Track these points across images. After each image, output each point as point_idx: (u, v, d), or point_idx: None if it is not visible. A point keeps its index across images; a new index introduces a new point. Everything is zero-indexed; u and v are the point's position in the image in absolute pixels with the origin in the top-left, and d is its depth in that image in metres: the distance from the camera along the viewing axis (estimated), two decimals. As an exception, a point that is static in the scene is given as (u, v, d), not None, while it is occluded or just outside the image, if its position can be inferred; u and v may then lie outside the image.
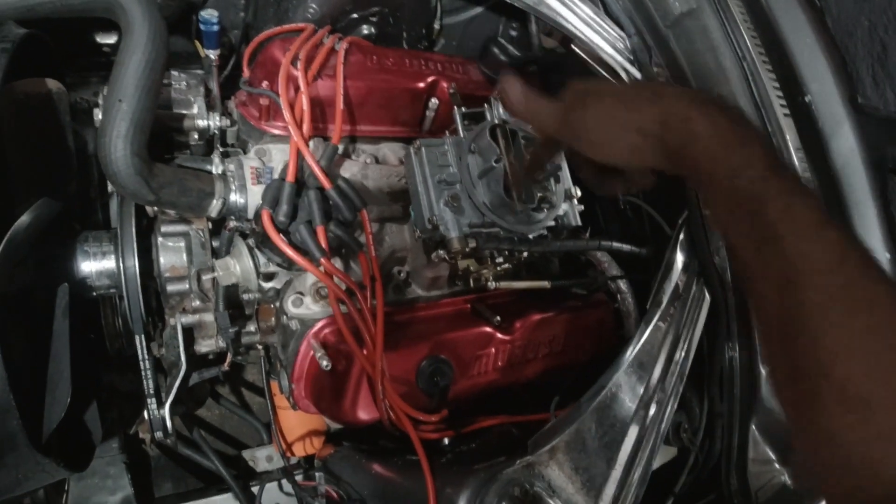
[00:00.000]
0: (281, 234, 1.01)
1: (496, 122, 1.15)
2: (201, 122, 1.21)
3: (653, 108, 0.72)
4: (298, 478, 1.33)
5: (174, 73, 1.26)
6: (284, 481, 1.42)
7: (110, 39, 1.45)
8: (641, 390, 1.14)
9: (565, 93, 0.80)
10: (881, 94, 1.00)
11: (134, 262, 1.13)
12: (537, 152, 0.97)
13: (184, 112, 1.21)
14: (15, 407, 0.91)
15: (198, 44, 1.35)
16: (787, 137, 1.19)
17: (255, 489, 1.40)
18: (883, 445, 0.57)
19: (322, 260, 1.00)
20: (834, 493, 0.63)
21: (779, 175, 0.65)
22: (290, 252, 0.99)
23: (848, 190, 1.06)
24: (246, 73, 1.24)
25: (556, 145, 0.90)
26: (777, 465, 1.30)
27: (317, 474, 1.28)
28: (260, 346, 1.29)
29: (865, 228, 1.04)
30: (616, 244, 1.27)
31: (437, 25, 1.48)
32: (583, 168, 0.90)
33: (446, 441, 1.21)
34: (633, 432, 1.12)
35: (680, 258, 1.21)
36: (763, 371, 1.24)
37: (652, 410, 1.14)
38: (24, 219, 0.98)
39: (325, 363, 1.06)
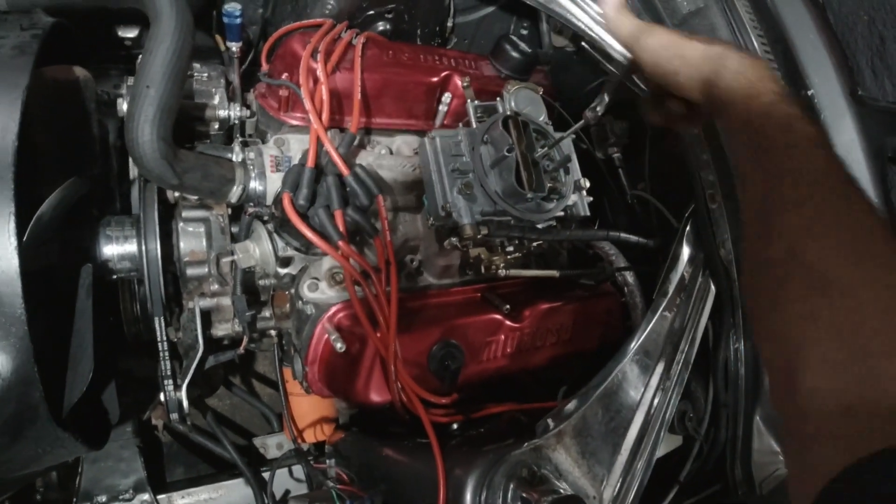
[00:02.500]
0: (300, 218, 1.04)
1: (509, 113, 1.18)
2: (222, 112, 1.25)
3: (699, 44, 0.86)
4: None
5: (196, 65, 1.30)
6: (295, 467, 1.45)
7: (131, 33, 1.49)
8: (647, 378, 1.16)
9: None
10: (880, 85, 1.03)
11: (156, 246, 1.17)
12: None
13: (205, 102, 1.25)
14: (38, 380, 0.93)
15: (218, 38, 1.40)
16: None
17: (265, 475, 1.42)
18: (848, 335, 0.58)
19: (340, 243, 1.03)
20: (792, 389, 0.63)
21: (786, 101, 0.75)
22: (309, 234, 1.02)
23: (850, 181, 1.08)
24: (265, 66, 1.28)
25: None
26: (781, 457, 1.31)
27: (327, 459, 1.31)
28: (274, 333, 1.32)
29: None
30: (623, 235, 1.30)
31: (449, 23, 1.51)
32: (646, 103, 1.05)
33: (455, 426, 1.23)
34: (638, 419, 1.14)
35: (686, 250, 1.24)
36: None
37: (657, 398, 1.16)
38: (54, 198, 1.01)
39: (339, 345, 1.09)
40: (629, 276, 1.40)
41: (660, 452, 1.15)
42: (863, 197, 0.67)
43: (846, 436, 0.55)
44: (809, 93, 1.13)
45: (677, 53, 0.88)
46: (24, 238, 0.95)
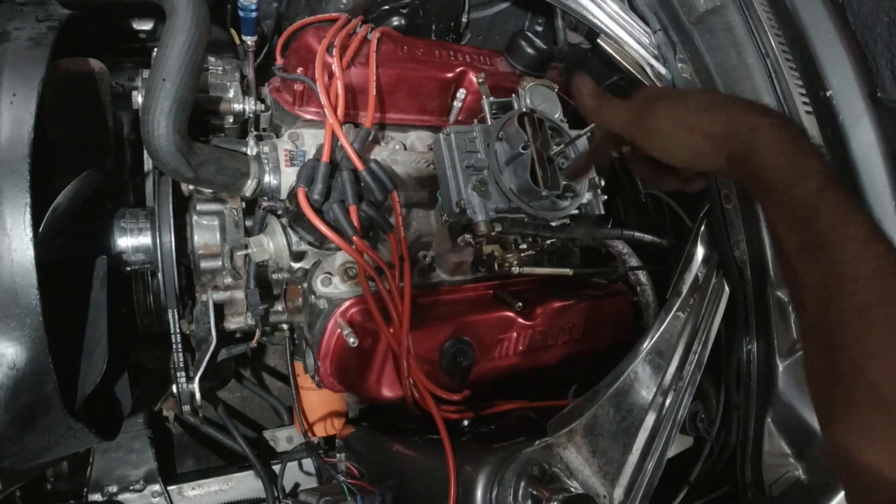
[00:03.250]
0: (315, 212, 1.04)
1: (524, 110, 1.17)
2: (237, 106, 1.25)
3: (720, 114, 0.75)
4: (319, 457, 1.36)
5: (211, 58, 1.30)
6: (305, 461, 1.46)
7: (146, 26, 1.49)
8: (659, 378, 1.15)
9: (635, 95, 0.84)
10: (900, 87, 1.02)
11: (170, 238, 1.17)
12: (601, 145, 1.01)
13: (220, 96, 1.25)
14: (52, 370, 0.94)
15: (233, 32, 1.40)
16: (809, 134, 1.21)
17: (275, 468, 1.43)
18: None
19: (354, 238, 1.03)
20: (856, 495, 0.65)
21: (834, 188, 0.68)
22: (323, 228, 1.02)
23: (867, 182, 1.08)
24: (279, 60, 1.28)
25: (619, 141, 0.94)
26: (792, 460, 1.31)
27: (337, 453, 1.31)
28: (286, 327, 1.33)
29: (883, 219, 1.07)
30: (638, 234, 1.30)
31: (464, 19, 1.51)
32: (639, 164, 0.94)
33: (466, 422, 1.23)
34: (650, 419, 1.13)
35: (700, 251, 1.23)
36: (780, 366, 1.25)
37: (669, 398, 1.15)
38: (69, 190, 1.01)
39: (352, 340, 1.09)
40: (642, 276, 1.40)
41: (671, 453, 1.15)
42: None
43: None
44: (828, 94, 1.13)
45: (695, 130, 0.77)
46: (40, 230, 0.95)
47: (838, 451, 0.68)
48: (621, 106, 0.85)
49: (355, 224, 1.05)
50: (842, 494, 1.27)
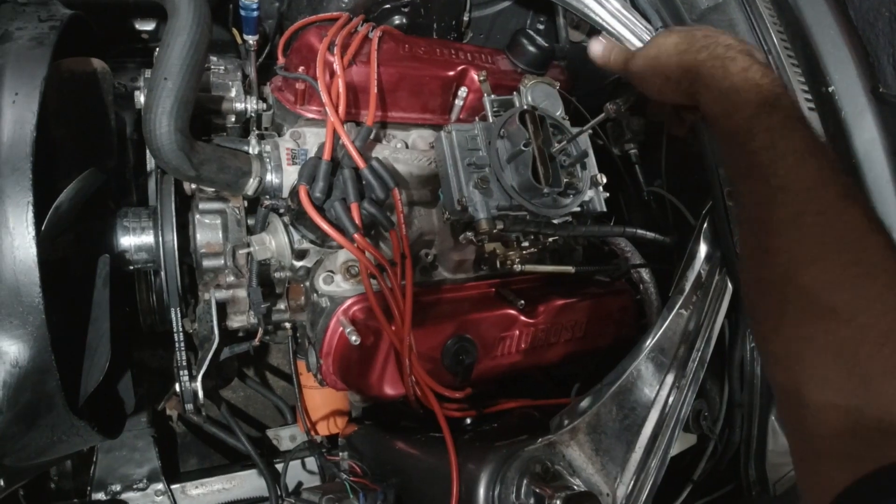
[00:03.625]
0: (316, 210, 1.04)
1: (525, 108, 1.17)
2: (239, 105, 1.25)
3: (674, 59, 0.90)
4: (321, 456, 1.36)
5: (212, 58, 1.30)
6: (307, 459, 1.46)
7: (148, 26, 1.50)
8: (662, 376, 1.15)
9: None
10: (902, 82, 1.02)
11: (172, 237, 1.18)
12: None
13: (222, 95, 1.26)
14: (55, 368, 0.94)
15: (235, 31, 1.40)
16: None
17: (278, 467, 1.43)
18: (846, 359, 0.59)
19: (356, 235, 1.03)
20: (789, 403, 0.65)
21: (767, 113, 0.75)
22: (325, 227, 1.02)
23: (870, 178, 1.08)
24: (281, 60, 1.28)
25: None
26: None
27: (340, 451, 1.31)
28: (288, 325, 1.33)
29: (887, 215, 1.06)
30: (640, 231, 1.29)
31: (465, 17, 1.51)
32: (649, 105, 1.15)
33: (468, 421, 1.23)
34: (653, 417, 1.13)
35: (703, 248, 1.23)
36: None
37: (672, 396, 1.15)
38: (71, 188, 1.02)
39: (354, 338, 1.09)
40: (645, 273, 1.39)
41: (674, 451, 1.15)
42: (860, 209, 0.66)
43: (849, 454, 0.56)
44: (830, 89, 1.12)
45: (658, 73, 0.93)
46: (42, 228, 0.96)
47: (774, 361, 0.69)
48: (620, 50, 1.05)
49: (357, 222, 1.05)
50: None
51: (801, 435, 0.64)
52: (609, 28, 1.36)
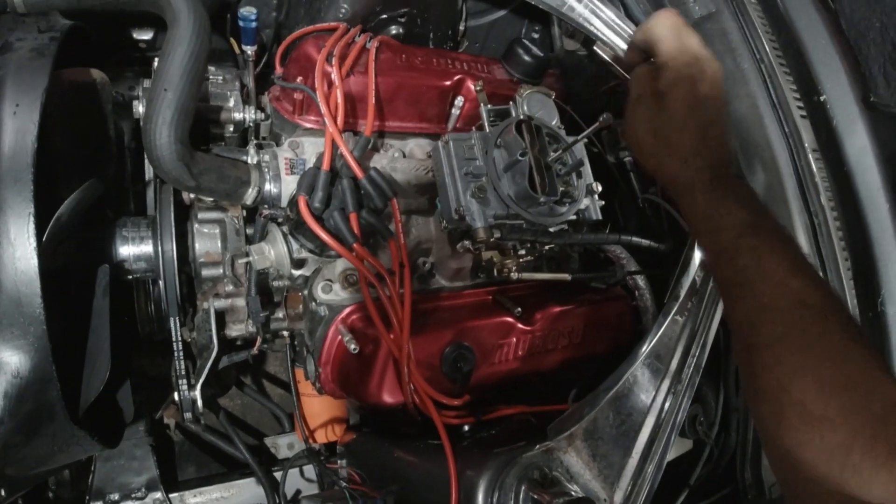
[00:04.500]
0: (315, 220, 1.04)
1: (522, 117, 1.18)
2: (237, 115, 1.26)
3: (652, 162, 0.98)
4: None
5: (211, 68, 1.31)
6: (306, 468, 1.46)
7: (146, 35, 1.50)
8: (658, 381, 1.16)
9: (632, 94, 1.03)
10: (892, 91, 1.04)
11: (172, 247, 1.18)
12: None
13: (220, 105, 1.26)
14: (56, 378, 0.95)
15: (233, 41, 1.41)
16: (804, 138, 1.22)
17: (277, 475, 1.43)
18: (840, 458, 0.66)
19: (354, 245, 1.04)
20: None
21: (753, 234, 0.81)
22: (324, 236, 1.03)
23: (861, 187, 1.09)
24: (279, 70, 1.29)
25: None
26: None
27: (339, 459, 1.32)
28: (286, 333, 1.33)
29: (878, 222, 1.08)
30: (635, 238, 1.30)
31: (461, 27, 1.52)
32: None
33: (467, 428, 1.24)
34: (649, 422, 1.13)
35: (698, 255, 1.23)
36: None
37: (668, 402, 1.15)
38: (72, 199, 1.02)
39: (352, 346, 1.09)
40: (640, 280, 1.41)
41: (670, 456, 1.15)
42: (839, 323, 0.73)
43: None
44: (822, 98, 1.14)
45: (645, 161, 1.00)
46: (44, 239, 0.96)
47: (778, 464, 0.75)
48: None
49: (356, 231, 1.06)
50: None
51: None
52: (603, 38, 1.37)
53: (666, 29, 0.97)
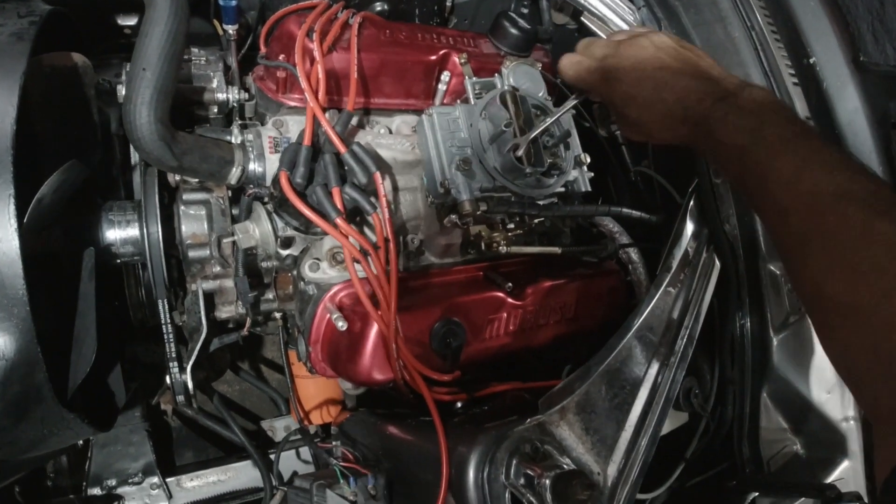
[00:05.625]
0: (298, 196, 1.04)
1: (506, 88, 1.17)
2: (221, 96, 1.25)
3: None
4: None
5: (194, 49, 1.30)
6: (302, 450, 1.46)
7: (131, 21, 1.50)
8: (651, 354, 1.14)
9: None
10: (881, 49, 1.02)
11: (157, 229, 1.18)
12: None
13: (203, 86, 1.26)
14: (42, 360, 0.95)
15: (216, 22, 1.40)
16: (797, 106, 1.20)
17: (273, 457, 1.44)
18: (886, 351, 0.63)
19: (338, 220, 1.03)
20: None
21: (758, 145, 0.80)
22: (306, 212, 1.02)
23: (854, 148, 1.08)
24: (263, 49, 1.28)
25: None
26: (790, 434, 1.31)
27: (333, 439, 1.32)
28: (278, 315, 1.33)
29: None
30: (626, 210, 1.29)
31: (448, 2, 1.50)
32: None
33: (459, 404, 1.23)
34: (642, 395, 1.12)
35: (690, 226, 1.22)
36: (774, 340, 1.25)
37: (661, 374, 1.14)
38: (53, 180, 1.02)
39: (340, 324, 1.09)
40: (633, 254, 1.39)
41: (666, 429, 1.14)
42: (857, 205, 0.70)
43: None
44: (811, 61, 1.12)
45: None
46: (25, 220, 0.96)
47: (838, 360, 0.73)
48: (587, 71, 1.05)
49: (339, 206, 1.05)
50: (842, 467, 1.27)
51: (869, 414, 0.71)
52: (592, 9, 1.36)
53: (571, 70, 1.08)
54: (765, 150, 0.79)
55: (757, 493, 1.29)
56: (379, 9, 1.38)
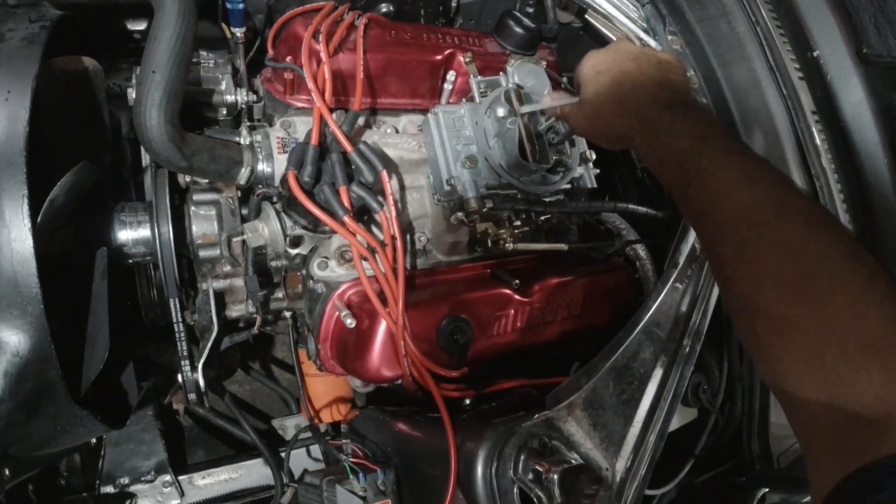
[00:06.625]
0: (305, 195, 1.05)
1: (510, 86, 1.18)
2: (229, 98, 1.27)
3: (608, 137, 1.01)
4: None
5: (203, 52, 1.32)
6: (313, 448, 1.47)
7: (140, 26, 1.51)
8: (659, 350, 1.15)
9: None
10: (884, 41, 1.01)
11: (168, 229, 1.19)
12: None
13: (212, 88, 1.27)
14: (55, 357, 0.96)
15: (224, 26, 1.41)
16: (803, 101, 1.20)
17: (284, 455, 1.45)
18: (816, 366, 0.62)
19: (345, 218, 1.04)
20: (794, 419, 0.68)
21: (695, 159, 0.80)
22: (314, 210, 1.03)
23: (859, 141, 1.07)
24: (270, 52, 1.30)
25: None
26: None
27: (343, 436, 1.32)
28: (288, 314, 1.34)
29: (877, 177, 1.06)
30: (632, 206, 1.29)
31: (453, 3, 1.51)
32: None
33: (468, 401, 1.24)
34: (650, 391, 1.12)
35: (696, 222, 1.22)
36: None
37: (669, 370, 1.15)
38: (65, 181, 1.04)
39: (349, 321, 1.10)
40: (641, 250, 1.39)
41: (674, 425, 1.14)
42: (797, 221, 0.70)
43: (838, 451, 0.60)
44: (815, 54, 1.12)
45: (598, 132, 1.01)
46: (38, 220, 0.97)
47: (769, 384, 0.72)
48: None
49: (346, 204, 1.06)
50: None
51: (800, 436, 0.68)
52: (596, 7, 1.36)
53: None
54: (708, 159, 0.79)
55: (767, 489, 1.29)
56: (384, 10, 1.39)
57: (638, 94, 0.93)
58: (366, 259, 1.09)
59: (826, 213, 0.73)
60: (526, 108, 1.14)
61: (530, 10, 1.52)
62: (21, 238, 0.94)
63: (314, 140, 1.08)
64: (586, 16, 1.40)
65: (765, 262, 0.69)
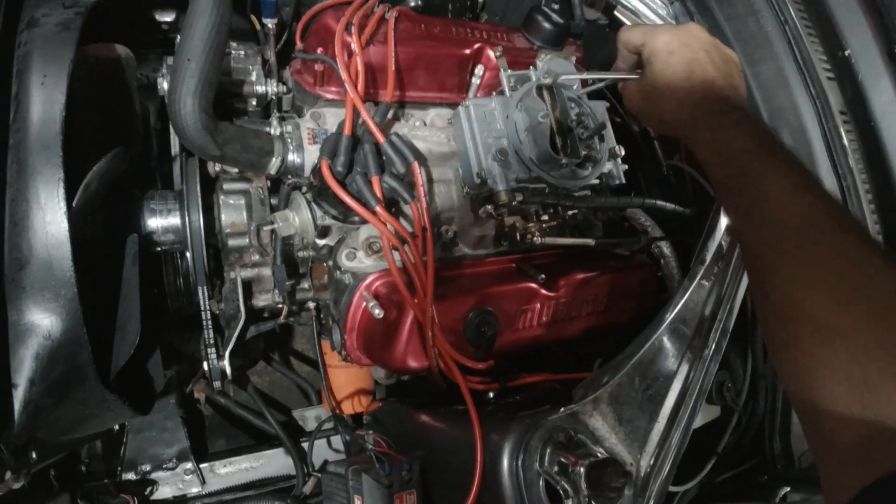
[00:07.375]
0: (338, 184, 1.05)
1: (542, 80, 1.18)
2: (259, 88, 1.28)
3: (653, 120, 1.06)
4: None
5: (233, 44, 1.32)
6: (333, 439, 1.48)
7: (168, 17, 1.53)
8: (684, 346, 1.14)
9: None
10: (915, 42, 1.02)
11: (199, 217, 1.20)
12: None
13: (243, 79, 1.28)
14: (87, 341, 0.97)
15: (254, 18, 1.43)
16: (831, 100, 1.20)
17: (304, 446, 1.45)
18: (857, 375, 0.63)
19: (377, 207, 1.05)
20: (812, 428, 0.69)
21: (758, 158, 0.82)
22: (347, 199, 1.03)
23: (889, 141, 1.07)
24: (299, 44, 1.30)
25: None
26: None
27: (365, 427, 1.33)
28: (312, 305, 1.35)
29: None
30: (660, 202, 1.29)
31: (480, -1, 1.52)
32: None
33: (492, 394, 1.24)
34: (675, 388, 1.12)
35: (724, 220, 1.22)
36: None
37: (694, 367, 1.14)
38: (100, 167, 1.05)
39: (377, 311, 1.10)
40: (665, 248, 1.39)
41: (698, 423, 1.14)
42: (853, 237, 0.71)
43: (864, 461, 0.60)
44: (846, 53, 1.12)
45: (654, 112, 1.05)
46: (73, 205, 0.98)
47: (792, 380, 0.72)
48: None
49: (378, 195, 1.06)
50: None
51: (820, 444, 0.68)
52: (624, 3, 1.37)
53: (638, 33, 1.08)
54: (770, 162, 0.80)
55: (788, 489, 1.29)
56: (413, 4, 1.40)
57: (708, 87, 0.94)
58: (395, 249, 1.09)
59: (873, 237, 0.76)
60: (592, 76, 1.20)
61: (556, 5, 1.53)
62: (56, 221, 0.95)
63: (347, 130, 1.09)
64: (615, 12, 1.39)
65: (820, 269, 0.70)
